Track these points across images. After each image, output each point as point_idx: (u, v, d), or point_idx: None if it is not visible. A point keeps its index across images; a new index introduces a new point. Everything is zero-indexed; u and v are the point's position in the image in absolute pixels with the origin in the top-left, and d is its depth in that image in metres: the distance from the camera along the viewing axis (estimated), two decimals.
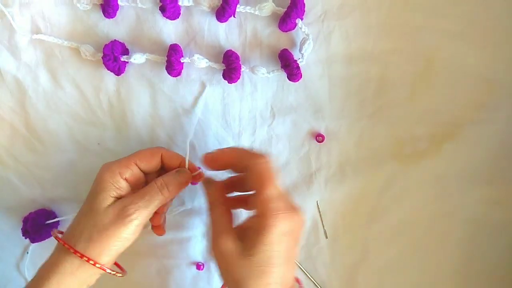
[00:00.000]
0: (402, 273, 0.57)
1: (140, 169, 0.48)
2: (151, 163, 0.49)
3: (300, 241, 0.45)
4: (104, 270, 0.45)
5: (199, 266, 0.58)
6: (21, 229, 0.56)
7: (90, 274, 0.45)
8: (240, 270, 0.41)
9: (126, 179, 0.47)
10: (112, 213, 0.44)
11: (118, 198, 0.46)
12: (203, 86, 0.53)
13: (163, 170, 0.50)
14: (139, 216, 0.45)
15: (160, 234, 0.52)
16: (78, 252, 0.44)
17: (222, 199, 0.48)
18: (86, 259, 0.43)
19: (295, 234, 0.43)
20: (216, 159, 0.47)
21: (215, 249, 0.44)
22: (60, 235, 0.47)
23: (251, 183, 0.43)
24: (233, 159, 0.46)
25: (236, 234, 0.43)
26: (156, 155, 0.49)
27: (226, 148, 0.49)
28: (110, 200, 0.45)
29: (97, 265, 0.44)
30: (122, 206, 0.45)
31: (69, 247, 0.44)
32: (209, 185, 0.49)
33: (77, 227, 0.45)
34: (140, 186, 0.49)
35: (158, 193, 0.46)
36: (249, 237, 0.42)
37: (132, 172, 0.47)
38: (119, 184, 0.46)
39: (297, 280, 0.48)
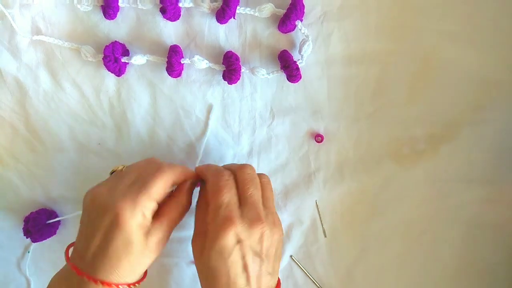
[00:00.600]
0: (400, 272, 0.57)
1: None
2: (165, 194, 0.47)
3: (275, 255, 0.46)
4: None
5: None
6: (23, 228, 0.56)
7: None
8: (203, 270, 0.45)
9: (144, 215, 0.45)
10: (151, 250, 0.45)
11: (144, 230, 0.45)
12: (209, 108, 0.54)
13: None
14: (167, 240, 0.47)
15: None
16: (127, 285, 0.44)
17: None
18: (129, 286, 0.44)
19: (252, 244, 0.44)
20: (198, 171, 0.49)
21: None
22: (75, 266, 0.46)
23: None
24: (202, 173, 0.48)
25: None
26: (170, 186, 0.47)
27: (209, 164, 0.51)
28: (142, 237, 0.44)
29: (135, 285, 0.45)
30: (158, 239, 0.45)
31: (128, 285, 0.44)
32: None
33: (121, 267, 0.43)
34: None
35: (182, 214, 0.48)
36: (207, 243, 0.44)
37: (152, 207, 0.45)
38: (145, 223, 0.44)
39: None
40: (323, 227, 0.57)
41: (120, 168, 0.48)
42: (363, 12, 0.51)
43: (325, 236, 0.57)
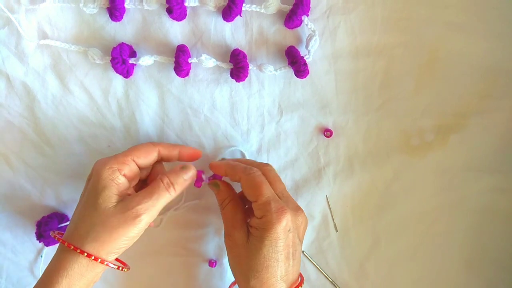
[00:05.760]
0: (411, 264, 0.58)
1: (137, 164, 0.48)
2: (148, 159, 0.49)
3: (303, 239, 0.49)
4: (114, 267, 0.46)
5: (211, 263, 0.58)
6: (35, 233, 0.56)
7: (97, 272, 0.46)
8: (248, 263, 0.46)
9: (124, 175, 0.47)
10: (120, 213, 0.44)
11: (119, 195, 0.46)
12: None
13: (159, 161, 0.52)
14: (148, 216, 0.45)
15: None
16: (86, 252, 0.44)
17: (232, 195, 0.50)
18: (94, 258, 0.44)
19: (299, 231, 0.48)
20: (217, 169, 0.51)
21: (227, 241, 0.49)
22: (58, 235, 0.48)
23: (245, 195, 0.48)
24: (228, 172, 0.49)
25: (247, 229, 0.48)
26: (152, 151, 0.49)
27: (225, 161, 0.53)
28: (113, 198, 0.45)
29: (109, 264, 0.45)
30: (131, 206, 0.45)
31: (75, 248, 0.44)
32: (215, 186, 0.51)
33: (82, 226, 0.45)
34: (136, 179, 0.50)
35: (165, 191, 0.47)
36: (255, 234, 0.46)
37: (129, 167, 0.47)
38: (119, 181, 0.46)
39: (300, 275, 0.49)
40: (334, 222, 0.57)
41: None
42: (369, 5, 0.51)
43: (337, 231, 0.57)
